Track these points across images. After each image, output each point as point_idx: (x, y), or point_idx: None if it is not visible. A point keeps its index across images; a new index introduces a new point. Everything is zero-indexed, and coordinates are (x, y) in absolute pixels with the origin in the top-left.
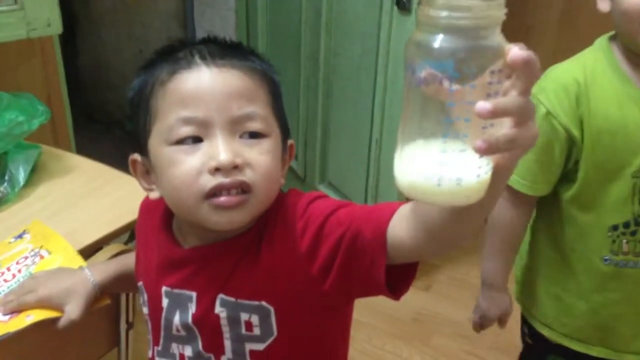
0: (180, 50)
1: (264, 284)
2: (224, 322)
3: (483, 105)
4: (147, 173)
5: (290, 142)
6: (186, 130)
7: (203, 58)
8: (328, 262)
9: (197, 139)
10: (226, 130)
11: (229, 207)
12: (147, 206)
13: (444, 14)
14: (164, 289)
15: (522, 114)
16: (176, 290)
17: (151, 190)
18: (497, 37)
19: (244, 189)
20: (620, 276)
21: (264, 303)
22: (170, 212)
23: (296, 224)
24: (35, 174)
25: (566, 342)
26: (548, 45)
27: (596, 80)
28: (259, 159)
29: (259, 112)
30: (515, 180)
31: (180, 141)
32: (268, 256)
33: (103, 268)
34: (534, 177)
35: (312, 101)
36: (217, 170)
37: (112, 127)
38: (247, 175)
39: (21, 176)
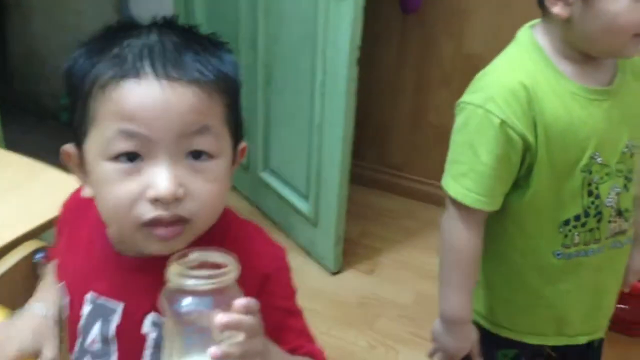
0: (127, 37)
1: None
2: (149, 343)
3: (220, 318)
4: (82, 166)
5: (243, 145)
6: (125, 146)
7: (153, 66)
8: None
9: (136, 156)
10: (171, 150)
11: (166, 238)
12: (77, 202)
13: (191, 281)
14: (89, 294)
15: (252, 330)
16: (102, 299)
17: (86, 184)
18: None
19: (181, 221)
20: (572, 266)
21: None
22: None
23: (252, 276)
24: None
25: (523, 338)
26: (484, 28)
27: (538, 81)
28: (203, 189)
29: (211, 127)
30: (474, 198)
31: (118, 157)
32: None
33: (47, 296)
34: (493, 192)
35: (252, 88)
36: (155, 200)
37: (45, 118)
38: (187, 208)
39: None
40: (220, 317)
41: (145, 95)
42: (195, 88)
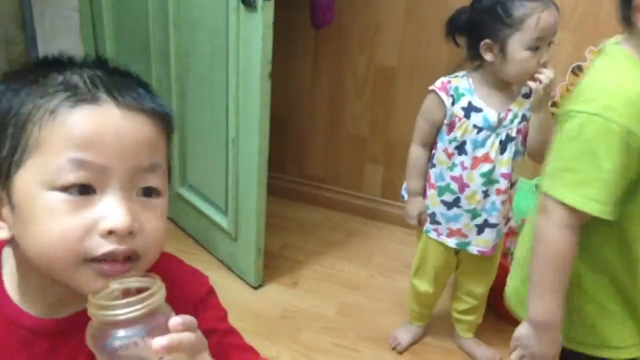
0: (65, 69)
1: None
2: None
3: (158, 342)
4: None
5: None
6: (77, 176)
7: (109, 93)
8: None
9: (87, 188)
10: (124, 184)
11: (113, 275)
12: None
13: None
14: None
15: (193, 347)
16: None
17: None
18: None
19: (132, 257)
20: None
21: None
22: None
23: (185, 308)
24: None
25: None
26: (395, 40)
27: None
28: (153, 224)
29: (161, 165)
30: (597, 207)
31: (67, 188)
32: None
33: None
34: (614, 200)
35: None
36: (110, 233)
37: None
38: (139, 243)
39: None
40: (159, 341)
41: (101, 122)
42: (150, 120)
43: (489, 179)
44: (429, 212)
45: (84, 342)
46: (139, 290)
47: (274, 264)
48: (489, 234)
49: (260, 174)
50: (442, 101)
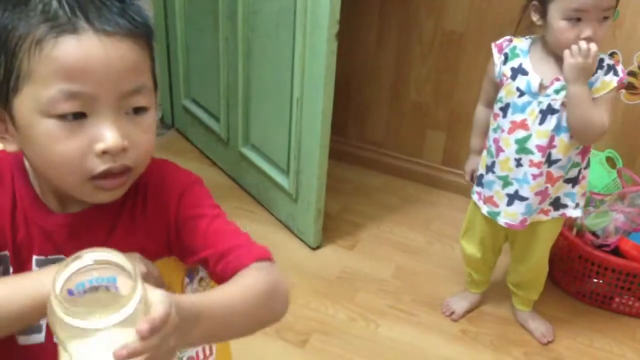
0: None
1: (138, 251)
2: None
3: (119, 351)
4: (5, 122)
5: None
6: (70, 106)
7: (88, 20)
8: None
9: (80, 115)
10: (113, 107)
11: (113, 188)
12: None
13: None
14: (35, 258)
15: (157, 351)
16: (51, 257)
17: (4, 139)
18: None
19: (127, 170)
20: None
21: None
22: (26, 172)
23: (171, 199)
24: None
25: None
26: (464, 5)
27: None
28: (142, 138)
29: (146, 84)
30: None
31: (61, 116)
32: (142, 223)
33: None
34: None
35: (232, 62)
36: (104, 153)
37: None
38: (131, 158)
39: None
40: (119, 353)
41: (86, 53)
42: (130, 42)
43: (522, 146)
44: (479, 173)
45: (94, 237)
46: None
47: (332, 226)
48: (517, 207)
49: (323, 136)
50: (495, 58)
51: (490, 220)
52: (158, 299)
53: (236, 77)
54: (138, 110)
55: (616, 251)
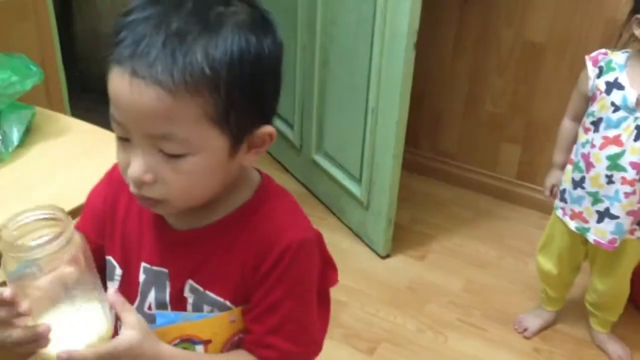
0: (144, 10)
1: (231, 281)
2: (189, 307)
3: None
4: None
5: (267, 130)
6: (116, 129)
7: (132, 56)
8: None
9: (125, 139)
10: (144, 142)
11: (148, 208)
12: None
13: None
14: (142, 265)
15: None
16: (155, 268)
17: None
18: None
19: (152, 200)
20: None
21: (227, 302)
22: None
23: (271, 251)
24: (29, 135)
25: None
26: (547, 12)
27: None
28: (173, 178)
29: (176, 133)
30: None
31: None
32: (241, 254)
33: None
34: None
35: (308, 70)
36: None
37: (107, 97)
38: (157, 192)
39: (15, 136)
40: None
41: (120, 89)
42: (159, 90)
43: (614, 163)
44: (561, 188)
45: (192, 259)
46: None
47: (402, 236)
48: (607, 225)
49: (397, 146)
50: (588, 72)
51: (572, 235)
52: (130, 324)
53: (312, 85)
54: (171, 154)
55: None
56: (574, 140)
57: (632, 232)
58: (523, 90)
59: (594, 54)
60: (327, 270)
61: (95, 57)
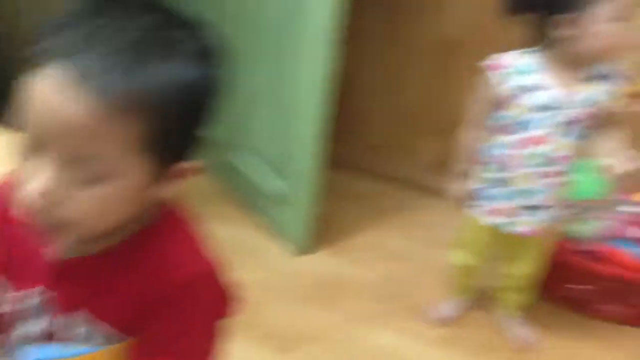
0: (94, 17)
1: (122, 313)
2: (78, 338)
3: None
4: None
5: (193, 164)
6: (27, 138)
7: (73, 56)
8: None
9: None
10: (61, 158)
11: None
12: (7, 193)
13: None
14: (37, 288)
15: None
16: (39, 295)
17: None
18: None
19: (55, 224)
20: None
21: (117, 335)
22: None
23: (164, 288)
24: None
25: None
26: (462, 8)
27: None
28: (87, 200)
29: (102, 155)
30: None
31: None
32: (134, 286)
33: None
34: None
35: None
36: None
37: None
38: (63, 213)
39: None
40: None
41: (46, 92)
42: (95, 102)
43: (545, 160)
44: (475, 188)
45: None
46: None
47: (324, 231)
48: (537, 216)
49: (317, 140)
50: (494, 78)
51: (492, 230)
52: None
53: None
54: (89, 176)
55: (601, 258)
56: (476, 146)
57: (556, 221)
58: (440, 86)
59: (494, 59)
60: (223, 302)
61: (14, 56)
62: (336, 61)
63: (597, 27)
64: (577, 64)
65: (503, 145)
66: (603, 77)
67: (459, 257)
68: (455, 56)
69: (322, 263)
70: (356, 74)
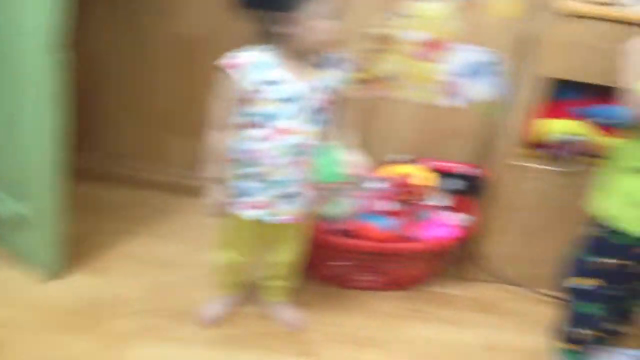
0: None
1: None
2: None
3: None
4: None
5: None
6: None
7: None
8: None
9: None
10: None
11: None
12: None
13: None
14: None
15: None
16: None
17: None
18: None
19: None
20: None
21: None
22: None
23: None
24: None
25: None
26: (199, 4)
27: None
28: None
29: None
30: None
31: None
32: None
33: None
34: None
35: None
36: None
37: None
38: None
39: None
40: None
41: None
42: None
43: (292, 150)
44: (232, 185)
45: None
46: None
47: (78, 250)
48: (292, 204)
49: (54, 153)
50: (235, 75)
51: (253, 224)
52: None
53: None
54: None
55: (355, 234)
56: (226, 147)
57: (311, 205)
58: (185, 84)
59: (229, 58)
60: None
61: None
62: (64, 67)
63: (312, 23)
64: (305, 56)
65: (253, 140)
66: (334, 65)
67: (224, 256)
68: (199, 54)
69: (77, 286)
70: (99, 80)
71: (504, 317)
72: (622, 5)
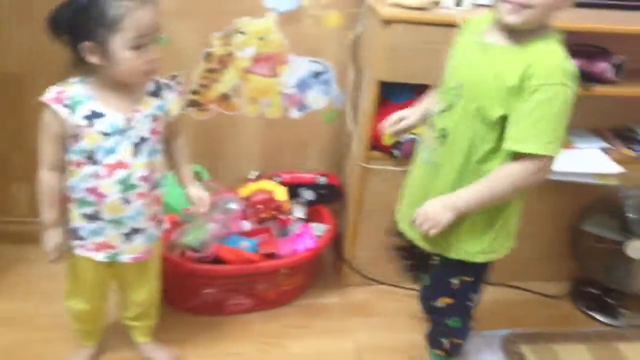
0: None
1: None
2: None
3: None
4: None
5: None
6: None
7: None
8: None
9: None
10: None
11: None
12: None
13: None
14: None
15: None
16: None
17: None
18: None
19: None
20: None
21: None
22: None
23: None
24: None
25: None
26: (12, 40)
27: None
28: None
29: None
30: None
31: None
32: None
33: None
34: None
35: None
36: None
37: None
38: None
39: None
40: None
41: None
42: None
43: (126, 185)
44: (72, 227)
45: None
46: None
47: None
48: (138, 240)
49: None
50: (58, 113)
51: (99, 267)
52: None
53: None
54: None
55: (221, 258)
56: (60, 190)
57: (159, 238)
58: (14, 124)
59: (51, 94)
60: None
61: None
62: None
63: (120, 54)
64: (124, 86)
65: (86, 177)
66: (162, 91)
67: (71, 305)
68: (26, 92)
69: None
70: None
71: (376, 318)
72: (443, 8)
